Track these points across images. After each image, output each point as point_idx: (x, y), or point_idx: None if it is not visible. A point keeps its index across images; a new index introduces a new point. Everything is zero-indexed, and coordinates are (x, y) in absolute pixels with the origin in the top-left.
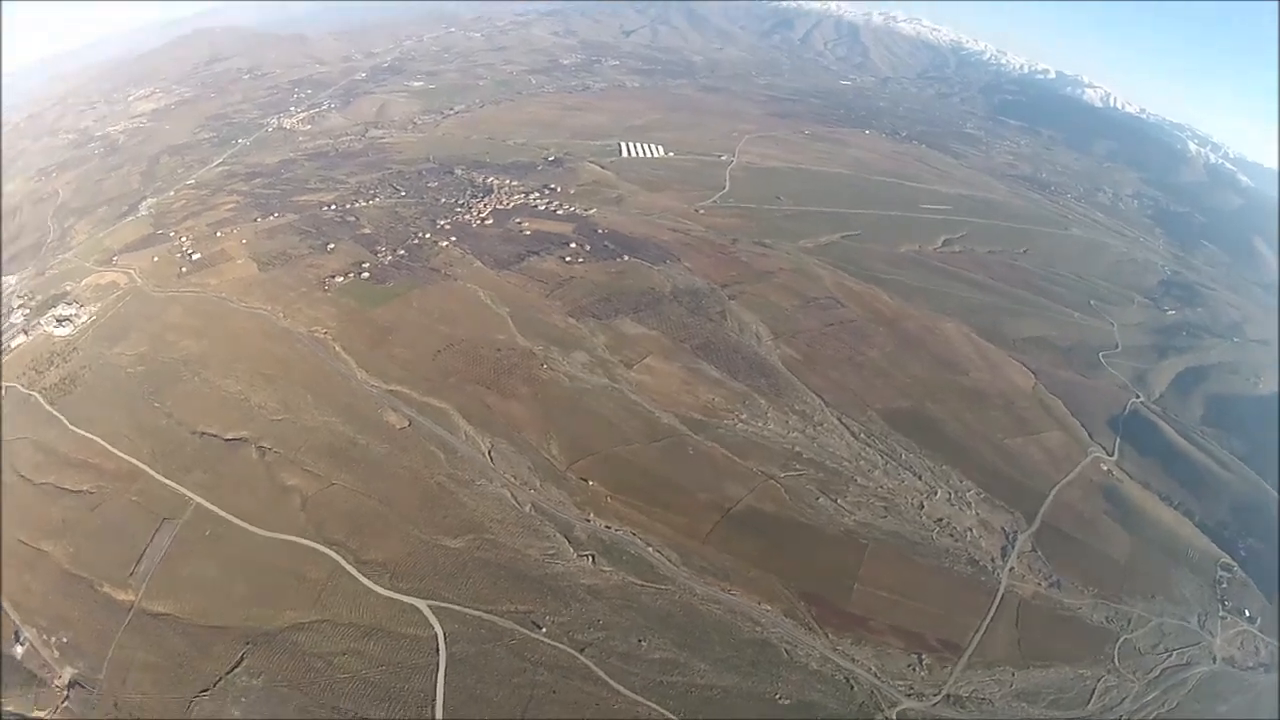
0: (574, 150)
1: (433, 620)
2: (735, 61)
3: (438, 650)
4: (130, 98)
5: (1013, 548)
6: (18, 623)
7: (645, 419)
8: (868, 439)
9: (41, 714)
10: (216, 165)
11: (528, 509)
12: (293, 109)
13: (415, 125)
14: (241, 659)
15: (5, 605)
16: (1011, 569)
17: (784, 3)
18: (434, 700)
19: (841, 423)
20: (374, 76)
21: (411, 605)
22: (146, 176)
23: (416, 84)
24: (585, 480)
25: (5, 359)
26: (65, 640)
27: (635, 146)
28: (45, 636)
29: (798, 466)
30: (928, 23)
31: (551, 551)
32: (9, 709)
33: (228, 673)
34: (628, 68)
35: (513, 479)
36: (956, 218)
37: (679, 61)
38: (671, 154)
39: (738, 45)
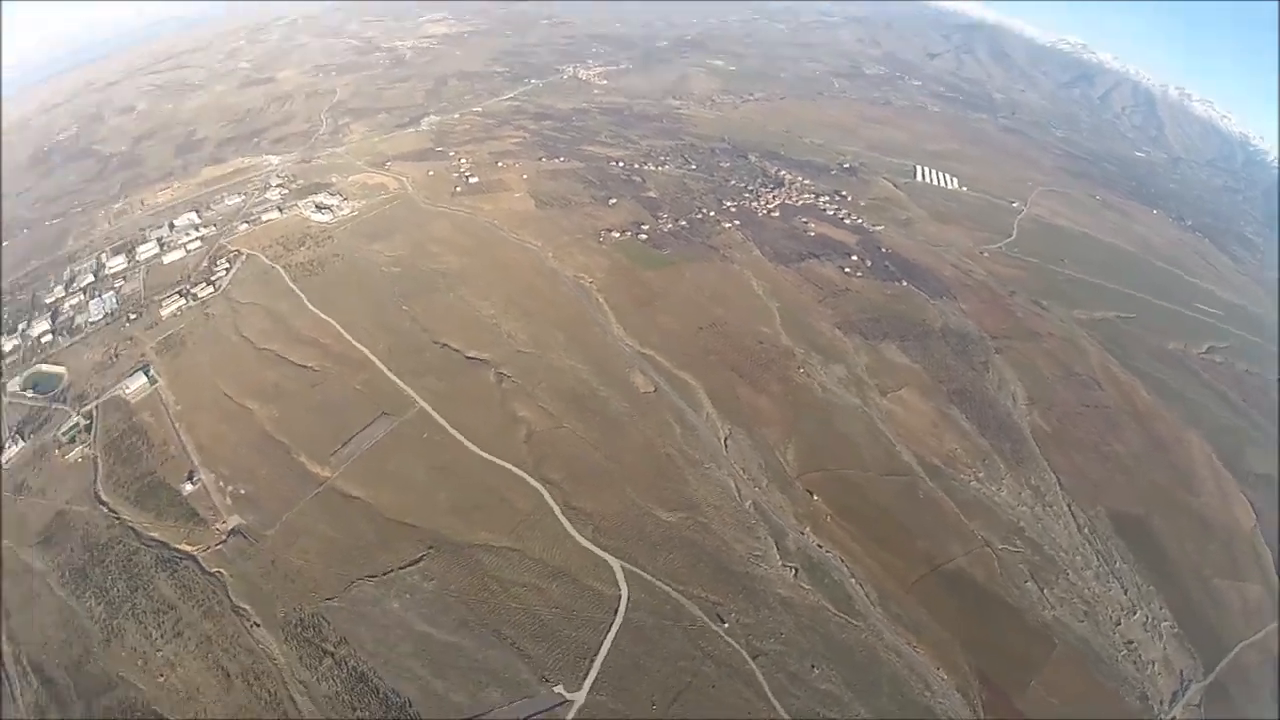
0: (869, 162)
1: (622, 582)
2: (1035, 107)
3: (616, 611)
4: (421, 18)
5: (1183, 696)
6: (196, 463)
7: (885, 450)
8: (1090, 535)
9: (189, 548)
10: (506, 98)
11: (748, 505)
12: (590, 61)
13: (713, 103)
14: (420, 559)
15: (188, 444)
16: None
17: (1086, 56)
18: (595, 655)
19: (1070, 510)
20: (676, 47)
21: (605, 561)
22: (432, 95)
23: (718, 62)
24: (810, 493)
25: (254, 229)
26: (243, 492)
27: (930, 173)
28: (222, 484)
29: (1017, 543)
30: (1219, 108)
31: (758, 553)
32: (154, 535)
33: (402, 567)
34: (930, 91)
35: (741, 471)
36: (1225, 325)
37: (980, 95)
38: (965, 189)
39: (1038, 90)
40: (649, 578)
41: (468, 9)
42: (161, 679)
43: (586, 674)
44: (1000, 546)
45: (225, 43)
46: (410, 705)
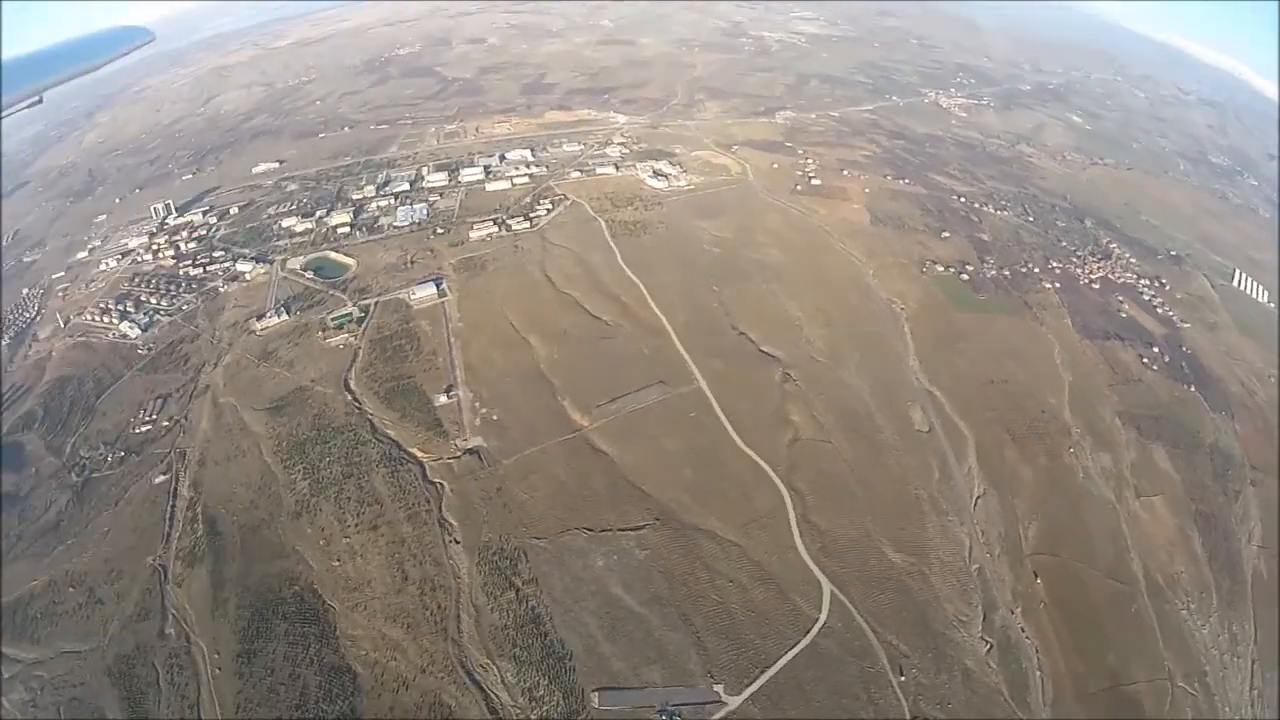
0: (1194, 255)
1: (825, 606)
2: None
3: (807, 632)
4: (792, 14)
5: None
6: (458, 379)
7: (1119, 554)
8: (1257, 700)
9: (421, 455)
10: (864, 109)
11: (974, 568)
12: (953, 90)
13: (1063, 159)
14: (643, 527)
15: (456, 359)
16: None
17: None
18: (768, 667)
19: (1252, 668)
20: (1037, 93)
21: (817, 582)
22: (791, 90)
23: (1075, 118)
24: (1035, 575)
25: (586, 179)
26: (494, 418)
27: (1247, 280)
28: (477, 405)
29: (1195, 685)
30: None
31: (964, 618)
32: (390, 433)
33: (621, 529)
34: (1264, 194)
35: (980, 534)
36: None
37: None
38: (1273, 305)
39: None
40: (852, 610)
41: (841, 11)
42: (337, 563)
43: (751, 683)
44: (1179, 683)
45: None
46: (571, 658)
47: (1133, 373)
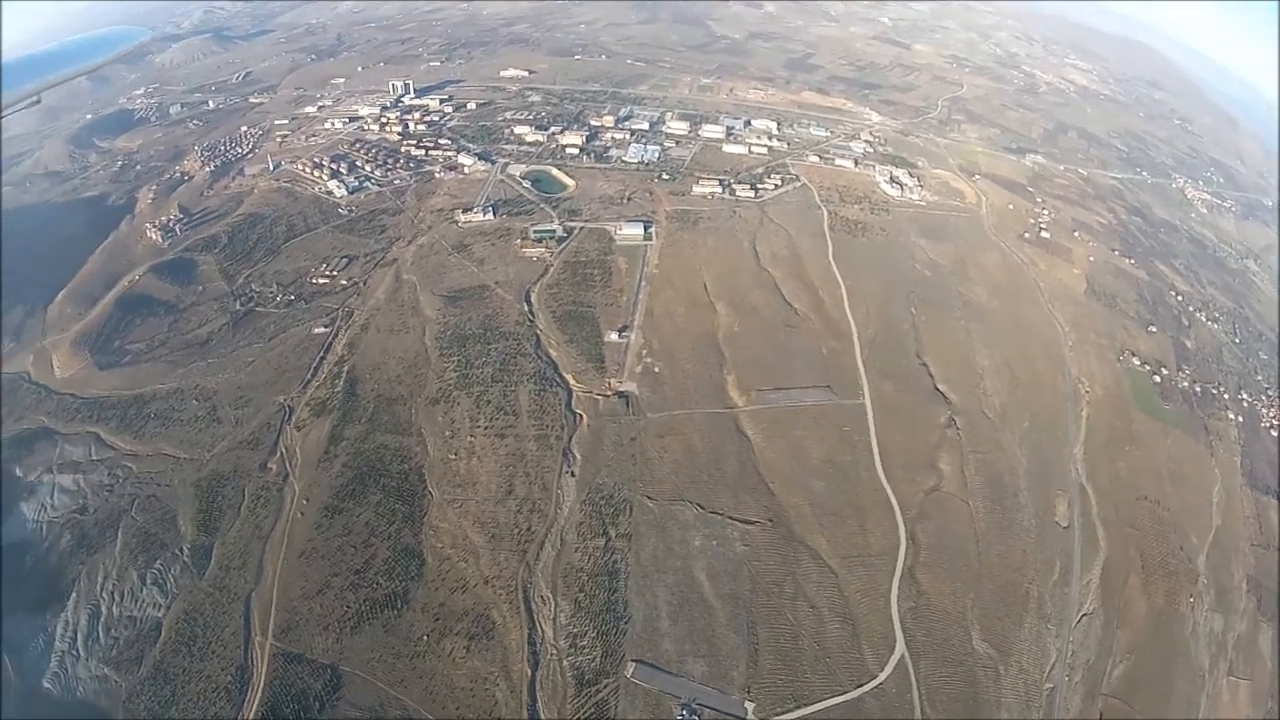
0: None
1: (889, 668)
2: None
3: (860, 685)
4: (1067, 59)
5: None
6: (635, 322)
7: None
8: None
9: (573, 382)
10: (1112, 175)
11: (1046, 686)
12: (1200, 183)
13: None
14: (754, 523)
15: (640, 303)
16: None
17: None
18: (807, 705)
19: None
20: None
21: (893, 642)
22: (1047, 136)
23: None
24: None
25: (822, 166)
26: (656, 370)
27: None
28: (644, 351)
29: None
30: None
31: None
32: (551, 353)
33: (733, 518)
34: None
35: (1069, 653)
36: None
37: None
38: None
39: None
40: (912, 681)
41: (1114, 70)
42: (453, 457)
43: (783, 713)
44: None
45: None
46: (627, 622)
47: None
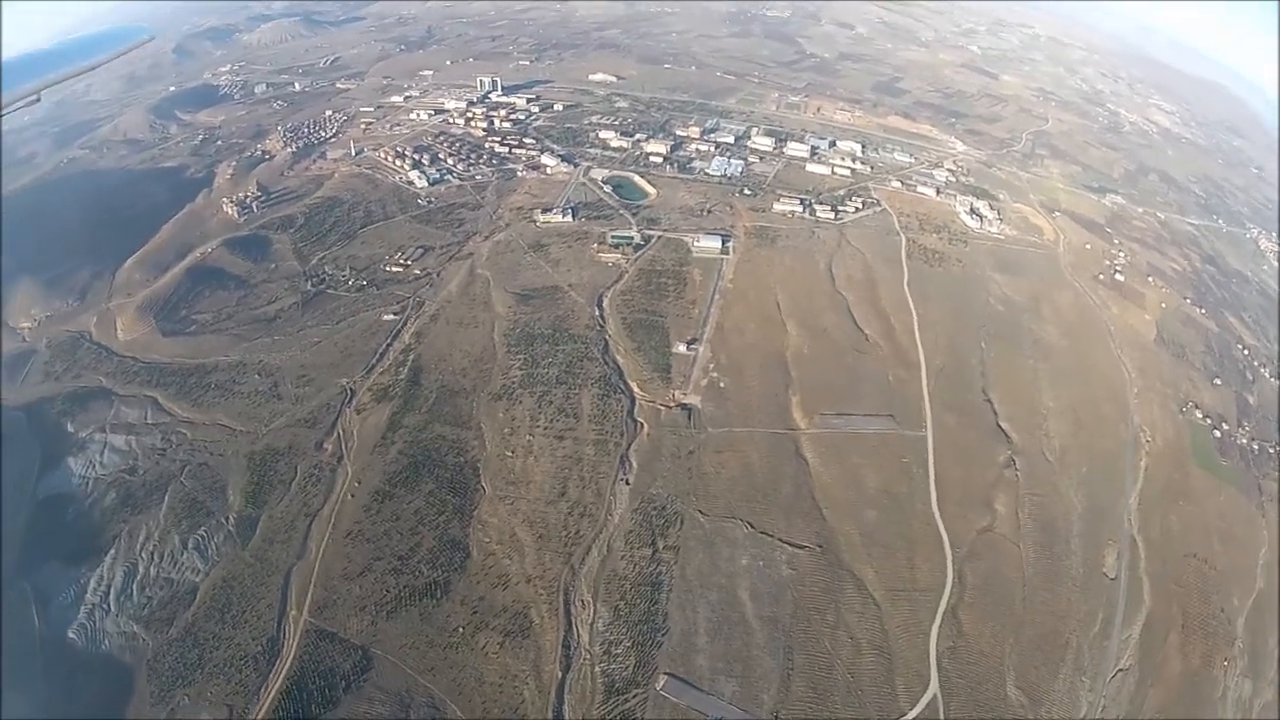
0: None
1: (920, 705)
2: None
3: None
4: (1151, 99)
5: None
6: (704, 335)
7: None
8: None
9: (637, 390)
10: (1189, 221)
11: None
12: (1275, 235)
13: None
14: (803, 548)
15: (711, 316)
16: None
17: None
18: None
19: None
20: None
21: (928, 679)
22: (1128, 177)
23: None
24: None
25: (903, 192)
26: (721, 385)
27: None
28: (710, 365)
29: None
30: None
31: None
32: (618, 359)
33: (782, 540)
34: None
35: (1100, 708)
36: None
37: None
38: None
39: None
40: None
41: (1197, 113)
42: (510, 454)
43: None
44: None
45: (965, 18)
46: (664, 634)
47: None
